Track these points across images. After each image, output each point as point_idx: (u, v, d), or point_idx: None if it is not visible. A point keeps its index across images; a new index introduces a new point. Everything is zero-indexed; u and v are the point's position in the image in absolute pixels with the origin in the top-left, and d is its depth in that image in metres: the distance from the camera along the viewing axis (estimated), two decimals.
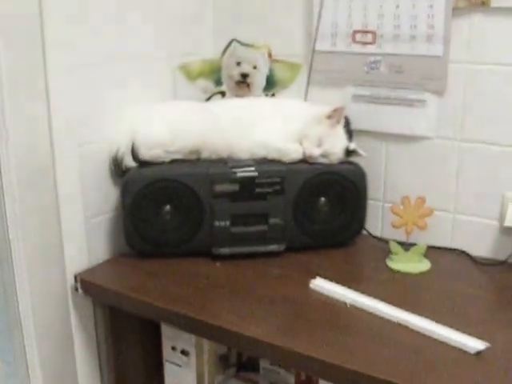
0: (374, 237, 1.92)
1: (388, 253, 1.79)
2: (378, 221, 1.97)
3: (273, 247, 1.79)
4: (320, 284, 1.64)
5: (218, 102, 1.99)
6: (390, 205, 1.85)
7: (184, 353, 1.88)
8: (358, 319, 1.51)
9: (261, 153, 1.79)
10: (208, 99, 2.03)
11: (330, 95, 1.95)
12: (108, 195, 1.85)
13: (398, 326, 1.47)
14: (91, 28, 1.72)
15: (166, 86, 2.00)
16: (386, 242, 1.82)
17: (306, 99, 1.97)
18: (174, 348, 1.89)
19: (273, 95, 2.01)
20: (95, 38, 1.74)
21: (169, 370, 1.94)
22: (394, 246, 1.78)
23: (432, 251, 1.82)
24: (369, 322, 1.50)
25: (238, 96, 2.01)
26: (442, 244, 1.88)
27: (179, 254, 1.78)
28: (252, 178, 1.73)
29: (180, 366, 1.90)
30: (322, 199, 1.80)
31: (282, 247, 1.79)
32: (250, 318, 1.52)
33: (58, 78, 1.63)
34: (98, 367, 1.91)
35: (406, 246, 1.78)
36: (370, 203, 1.88)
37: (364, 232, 1.91)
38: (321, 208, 1.80)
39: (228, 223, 1.75)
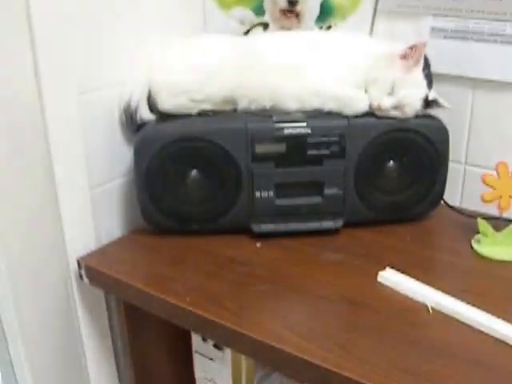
0: (455, 209, 1.64)
1: (472, 231, 1.51)
2: (457, 188, 1.69)
3: (328, 224, 1.54)
4: (391, 278, 1.35)
5: (258, 36, 1.73)
6: (472, 168, 1.65)
7: (217, 347, 1.64)
8: (444, 332, 1.20)
9: (315, 102, 1.52)
10: (246, 33, 1.77)
11: (403, 29, 1.65)
12: (119, 156, 1.58)
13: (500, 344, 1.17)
14: None
15: (192, 16, 1.74)
16: (470, 216, 1.56)
17: (371, 33, 1.69)
18: (204, 339, 1.65)
19: (329, 28, 1.74)
20: None
21: (199, 362, 1.71)
22: (483, 226, 1.48)
23: None
24: (460, 336, 1.19)
25: (284, 29, 1.75)
26: None
27: (210, 232, 1.54)
28: (303, 137, 1.48)
29: (213, 360, 1.67)
30: (392, 163, 1.53)
31: (339, 223, 1.55)
32: (302, 330, 1.21)
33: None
34: (115, 366, 1.69)
35: (499, 223, 1.49)
36: (449, 166, 1.58)
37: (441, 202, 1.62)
38: (390, 174, 1.54)
39: (272, 194, 1.51)
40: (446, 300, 1.25)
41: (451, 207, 1.61)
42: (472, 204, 1.61)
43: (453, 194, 1.67)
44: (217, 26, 1.74)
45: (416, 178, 1.54)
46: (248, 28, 1.76)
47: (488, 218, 1.48)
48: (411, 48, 1.45)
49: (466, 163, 1.66)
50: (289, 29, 1.73)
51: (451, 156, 1.55)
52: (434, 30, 1.60)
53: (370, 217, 1.55)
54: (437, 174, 1.54)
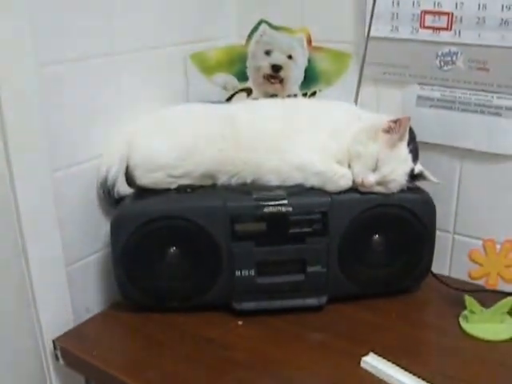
0: (443, 282, 1.56)
1: (461, 305, 1.45)
2: (445, 257, 1.65)
3: (311, 301, 1.49)
4: (374, 364, 1.29)
5: (241, 104, 1.65)
6: (461, 237, 1.62)
7: None
8: None
9: (297, 178, 1.47)
10: (229, 99, 1.73)
11: (389, 96, 1.63)
12: (97, 230, 1.53)
13: None
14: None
15: (173, 83, 1.68)
16: (458, 289, 1.51)
17: (357, 100, 1.65)
18: None
19: (313, 94, 1.70)
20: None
21: None
22: (470, 303, 1.43)
23: None
24: None
25: (267, 95, 1.72)
26: None
27: (190, 309, 1.48)
28: (284, 215, 1.42)
29: None
30: (377, 237, 1.49)
31: (322, 300, 1.49)
32: None
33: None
34: None
35: (489, 296, 1.45)
36: (438, 234, 1.53)
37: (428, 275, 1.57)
38: (375, 249, 1.49)
39: (253, 272, 1.45)
40: None
41: (440, 280, 1.55)
42: (461, 273, 1.53)
43: (441, 263, 1.62)
44: (199, 92, 1.68)
45: (402, 252, 1.49)
46: (231, 94, 1.72)
47: (476, 291, 1.44)
48: (395, 122, 1.41)
49: (454, 232, 1.62)
50: (273, 95, 1.70)
51: (439, 225, 1.51)
52: (420, 98, 1.57)
53: (354, 292, 1.50)
54: (423, 247, 1.49)
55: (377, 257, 1.49)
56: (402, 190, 1.44)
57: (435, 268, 1.55)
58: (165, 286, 1.46)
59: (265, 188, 1.46)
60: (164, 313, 1.46)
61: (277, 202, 1.41)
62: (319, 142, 1.47)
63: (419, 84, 1.56)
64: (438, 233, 1.51)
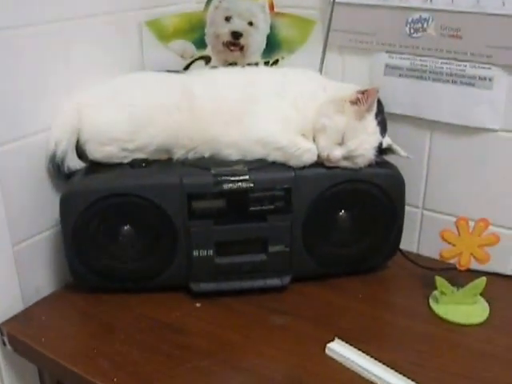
0: (412, 260, 1.52)
1: (430, 285, 1.40)
2: (414, 233, 1.60)
3: (274, 281, 1.43)
4: (339, 351, 1.22)
5: (199, 72, 1.58)
6: (430, 213, 1.56)
7: None
8: None
9: (258, 152, 1.41)
10: (186, 67, 1.66)
11: (356, 65, 1.56)
12: (47, 206, 1.43)
13: None
14: None
15: (128, 51, 1.58)
16: (428, 268, 1.48)
17: (321, 70, 1.59)
18: None
19: (276, 62, 1.64)
20: None
21: None
22: (441, 284, 1.37)
23: (493, 285, 1.40)
24: None
25: (227, 63, 1.66)
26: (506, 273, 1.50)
27: (145, 291, 1.42)
28: (245, 191, 1.37)
29: None
30: (343, 214, 1.43)
31: (286, 280, 1.44)
32: None
33: None
34: None
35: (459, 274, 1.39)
36: (406, 210, 1.48)
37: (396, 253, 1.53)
38: (341, 226, 1.44)
39: (211, 252, 1.39)
40: (396, 380, 1.13)
41: (408, 258, 1.51)
42: (431, 250, 1.51)
43: (410, 240, 1.58)
44: (155, 61, 1.60)
45: (370, 229, 1.44)
46: (188, 62, 1.65)
47: (447, 270, 1.38)
48: (363, 93, 1.36)
49: (423, 208, 1.57)
50: (233, 63, 1.64)
51: (408, 200, 1.46)
52: (388, 67, 1.50)
53: (320, 272, 1.45)
54: (392, 224, 1.44)
55: (343, 235, 1.44)
56: (369, 165, 1.39)
57: (403, 245, 1.51)
58: (118, 267, 1.40)
59: (224, 163, 1.40)
60: (118, 294, 1.40)
61: (237, 178, 1.35)
62: (281, 114, 1.41)
63: (387, 52, 1.49)
64: (406, 208, 1.47)
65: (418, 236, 1.59)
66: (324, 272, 1.46)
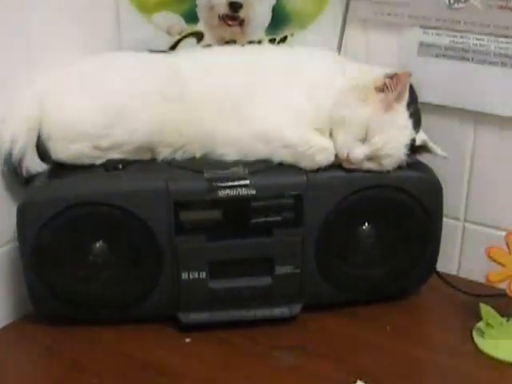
0: (450, 284, 1.52)
1: (474, 314, 1.39)
2: (453, 251, 1.62)
3: (281, 311, 1.44)
4: None
5: (188, 53, 1.59)
6: (473, 226, 1.58)
7: None
8: None
9: (261, 151, 1.42)
10: (174, 47, 1.66)
11: (383, 44, 1.59)
12: (2, 217, 1.44)
13: None
14: None
15: (101, 27, 1.60)
16: (470, 294, 1.47)
17: (340, 50, 1.62)
18: None
19: (283, 40, 1.65)
20: None
21: None
22: (487, 314, 1.37)
23: None
24: None
25: (223, 40, 1.66)
26: None
27: (123, 322, 1.42)
28: (245, 199, 1.37)
29: None
30: (367, 228, 1.45)
31: (296, 309, 1.44)
32: None
33: None
34: None
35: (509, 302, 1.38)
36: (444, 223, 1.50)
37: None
38: (364, 243, 1.46)
39: (204, 274, 1.40)
40: None
41: (447, 282, 1.52)
42: (474, 272, 1.52)
43: (448, 259, 1.60)
44: (135, 38, 1.61)
45: (399, 246, 1.45)
46: (176, 39, 1.66)
47: (495, 296, 1.38)
48: (391, 78, 1.36)
49: (465, 220, 1.60)
50: (230, 41, 1.65)
51: (446, 210, 1.48)
52: (423, 46, 1.54)
53: (338, 298, 1.47)
54: (427, 240, 1.46)
55: (366, 253, 1.46)
56: (399, 167, 1.40)
57: (441, 266, 1.53)
58: (89, 293, 1.40)
59: (219, 164, 1.41)
60: (89, 327, 1.40)
61: (235, 183, 1.35)
62: (290, 104, 1.42)
63: (422, 27, 1.53)
64: (444, 220, 1.48)
65: (459, 255, 1.61)
66: (343, 299, 1.47)
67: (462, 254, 1.61)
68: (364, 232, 1.44)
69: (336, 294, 1.45)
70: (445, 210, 1.47)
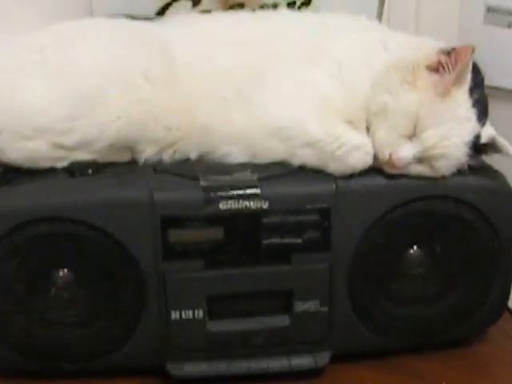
0: None
1: None
2: None
3: (303, 361, 1.44)
4: None
5: (180, 21, 1.61)
6: None
7: None
8: None
9: (276, 150, 1.42)
10: (161, 12, 1.70)
11: (437, 8, 1.60)
12: None
13: None
14: None
15: None
16: None
17: (381, 16, 1.60)
18: None
19: (306, 4, 1.69)
20: None
21: None
22: None
23: None
24: None
25: (227, 6, 1.72)
26: None
27: (94, 375, 1.44)
28: (255, 214, 1.37)
29: None
30: (415, 253, 1.45)
31: (323, 359, 1.45)
32: None
33: None
34: None
35: None
36: None
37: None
38: (411, 270, 1.47)
39: (201, 313, 1.40)
40: None
41: None
42: None
43: None
44: (110, 1, 1.62)
45: (459, 277, 1.46)
46: (165, 2, 1.67)
47: None
48: (448, 54, 1.37)
49: None
50: (236, 5, 1.65)
51: None
52: (491, 12, 1.52)
53: (377, 345, 1.48)
54: (496, 269, 1.46)
55: (415, 287, 1.47)
56: (458, 172, 1.40)
57: None
58: (51, 337, 1.42)
59: (221, 168, 1.42)
60: (51, 381, 1.43)
61: (241, 192, 1.36)
62: (314, 88, 1.43)
63: None
64: None
65: None
66: (385, 346, 1.49)
67: None
68: (412, 258, 1.44)
69: (375, 339, 1.47)
70: None
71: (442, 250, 1.43)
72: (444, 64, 1.35)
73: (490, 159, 1.45)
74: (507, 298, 1.47)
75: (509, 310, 1.49)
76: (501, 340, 1.51)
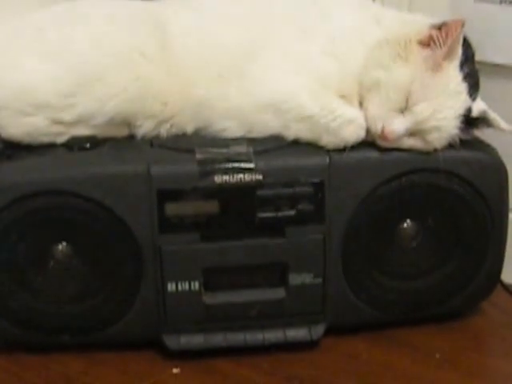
0: None
1: None
2: None
3: (299, 333, 1.45)
4: None
5: (184, 2, 1.59)
6: None
7: None
8: None
9: (270, 124, 1.42)
10: None
11: None
12: None
13: None
14: None
15: None
16: None
17: None
18: None
19: None
20: None
21: None
22: None
23: None
24: None
25: None
26: None
27: (93, 348, 1.45)
28: (250, 187, 1.38)
29: None
30: (409, 226, 1.46)
31: (318, 331, 1.45)
32: None
33: None
34: None
35: None
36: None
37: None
38: (404, 244, 1.47)
39: (197, 286, 1.41)
40: None
41: None
42: None
43: None
44: None
45: (452, 250, 1.47)
46: None
47: None
48: (439, 28, 1.37)
49: None
50: None
51: None
52: None
53: (372, 318, 1.48)
54: (488, 242, 1.46)
55: (408, 259, 1.48)
56: (450, 146, 1.40)
57: (507, 275, 1.55)
58: (50, 310, 1.43)
59: (217, 142, 1.42)
60: (50, 354, 1.44)
61: (236, 165, 1.37)
62: (308, 63, 1.43)
63: None
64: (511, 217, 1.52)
65: None
66: (379, 319, 1.48)
67: None
68: (405, 231, 1.44)
69: (369, 312, 1.46)
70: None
71: (434, 223, 1.43)
72: (435, 38, 1.36)
73: (481, 133, 1.44)
74: (500, 271, 1.47)
75: (501, 283, 1.49)
76: (493, 313, 1.52)
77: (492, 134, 1.44)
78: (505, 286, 1.50)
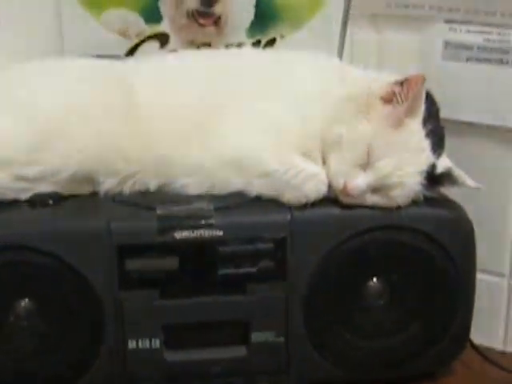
0: (491, 361, 1.53)
1: None
2: (497, 319, 1.64)
3: None
4: None
5: (146, 59, 1.62)
6: None
7: None
8: None
9: (232, 181, 1.43)
10: (131, 52, 1.70)
11: (398, 44, 1.63)
12: None
13: None
14: None
15: (38, 27, 1.67)
16: None
17: (341, 54, 1.64)
18: None
19: (270, 44, 1.71)
20: None
21: None
22: None
23: None
24: None
25: (194, 44, 1.71)
26: None
27: None
28: (210, 243, 1.37)
29: None
30: (375, 282, 1.44)
31: None
32: None
33: None
34: None
35: None
36: (480, 279, 1.50)
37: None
38: (370, 302, 1.45)
39: (158, 343, 1.39)
40: None
41: (489, 360, 1.51)
42: None
43: (490, 330, 1.63)
44: (82, 40, 1.64)
45: (418, 309, 1.45)
46: (134, 43, 1.67)
47: None
48: (401, 84, 1.37)
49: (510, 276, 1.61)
50: (203, 44, 1.65)
51: (486, 264, 1.51)
52: (449, 46, 1.56)
53: (337, 377, 1.45)
54: (455, 301, 1.45)
55: (375, 318, 1.45)
56: (414, 202, 1.40)
57: (479, 338, 1.54)
58: (8, 367, 1.39)
59: (178, 199, 1.42)
60: None
61: (196, 222, 1.36)
62: (270, 120, 1.43)
63: (447, 22, 1.55)
64: (485, 278, 1.52)
65: (505, 324, 1.61)
66: (344, 378, 1.46)
67: (509, 320, 1.58)
68: (370, 289, 1.43)
69: (335, 371, 1.44)
70: (485, 264, 1.49)
71: (399, 281, 1.41)
72: (397, 94, 1.35)
73: (447, 191, 1.44)
74: (468, 331, 1.45)
75: (472, 343, 1.47)
76: (465, 375, 1.48)
77: (468, 193, 1.42)
78: (475, 347, 1.48)
